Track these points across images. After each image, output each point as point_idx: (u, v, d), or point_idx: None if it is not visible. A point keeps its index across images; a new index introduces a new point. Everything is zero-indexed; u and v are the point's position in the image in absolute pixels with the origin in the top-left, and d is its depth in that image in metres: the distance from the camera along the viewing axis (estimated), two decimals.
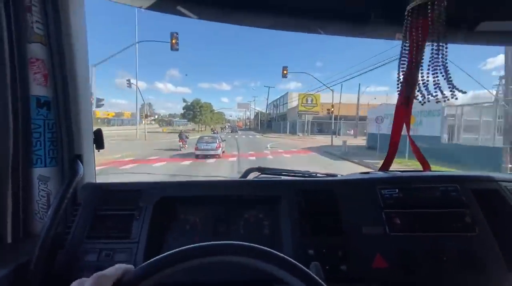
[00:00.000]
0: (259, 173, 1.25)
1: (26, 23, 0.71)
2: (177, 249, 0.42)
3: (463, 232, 0.78)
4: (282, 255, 0.42)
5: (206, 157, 12.54)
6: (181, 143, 16.24)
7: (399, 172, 1.07)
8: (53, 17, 0.75)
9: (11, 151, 0.72)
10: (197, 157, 12.53)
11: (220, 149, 13.03)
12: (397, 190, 0.86)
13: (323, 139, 25.04)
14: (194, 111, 44.39)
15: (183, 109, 46.34)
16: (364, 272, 0.74)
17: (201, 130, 43.67)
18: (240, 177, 1.24)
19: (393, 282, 0.75)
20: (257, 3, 1.03)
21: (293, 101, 39.52)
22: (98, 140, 0.94)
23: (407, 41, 0.91)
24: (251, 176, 1.25)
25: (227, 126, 68.97)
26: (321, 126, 35.89)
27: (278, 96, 53.05)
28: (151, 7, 1.03)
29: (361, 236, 0.79)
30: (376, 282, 0.74)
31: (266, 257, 0.42)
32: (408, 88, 0.94)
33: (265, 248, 0.43)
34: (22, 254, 0.67)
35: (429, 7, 0.81)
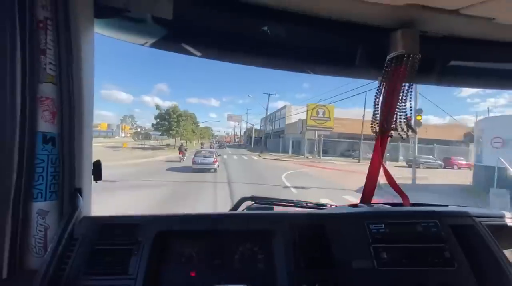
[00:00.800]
0: (252, 202, 1.29)
1: (39, 64, 0.76)
2: None
3: (443, 267, 0.84)
4: None
5: (203, 170, 12.91)
6: (180, 155, 18.32)
7: (383, 205, 1.14)
8: (65, 59, 0.79)
9: (14, 185, 0.74)
10: (194, 170, 12.97)
11: (217, 163, 13.50)
12: (383, 225, 0.92)
13: (359, 168, 15.83)
14: (169, 122, 32.35)
15: (155, 119, 33.94)
16: None
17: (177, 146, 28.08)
18: (234, 206, 1.27)
19: None
20: (252, 45, 1.13)
21: (292, 116, 33.37)
22: (97, 172, 0.96)
23: (386, 83, 1.03)
24: (244, 205, 1.28)
25: (214, 141, 65.54)
26: (331, 145, 28.12)
27: (274, 110, 46.57)
28: (155, 45, 1.11)
29: (351, 271, 0.83)
30: None
31: None
32: (385, 122, 1.06)
33: None
34: None
35: (405, 58, 0.93)
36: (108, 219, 0.89)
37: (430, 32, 0.97)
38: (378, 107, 1.05)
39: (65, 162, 0.82)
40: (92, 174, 0.95)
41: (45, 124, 0.78)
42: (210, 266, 0.88)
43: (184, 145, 22.24)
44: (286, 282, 0.80)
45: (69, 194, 0.83)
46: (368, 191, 1.19)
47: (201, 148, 25.42)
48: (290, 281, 0.80)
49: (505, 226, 1.05)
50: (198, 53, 1.16)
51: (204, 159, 13.24)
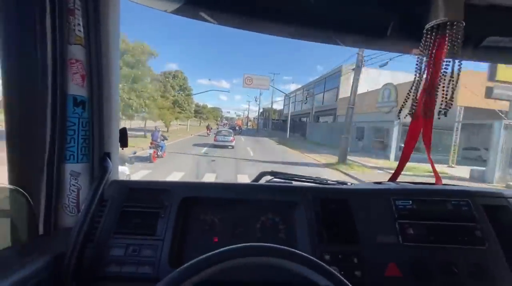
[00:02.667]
0: (272, 177, 1.29)
1: (69, 25, 0.75)
2: (218, 250, 0.45)
3: (473, 246, 0.82)
4: (313, 258, 0.46)
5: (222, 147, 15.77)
6: (208, 131, 22.68)
7: (411, 184, 1.11)
8: (93, 20, 0.78)
9: (48, 146, 0.76)
10: (215, 146, 15.68)
11: (234, 141, 16.45)
12: (410, 202, 0.90)
13: None
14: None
15: None
16: (378, 279, 0.78)
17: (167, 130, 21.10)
18: (253, 180, 1.28)
19: None
20: (277, 13, 1.07)
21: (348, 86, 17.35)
22: (123, 138, 0.97)
23: (424, 57, 0.95)
24: (263, 180, 1.29)
25: (222, 124, 54.77)
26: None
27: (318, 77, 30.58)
28: (175, 12, 1.07)
29: (375, 245, 0.83)
30: None
31: (303, 261, 0.46)
32: (428, 100, 0.97)
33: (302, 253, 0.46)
34: (56, 245, 0.71)
35: (448, 26, 0.85)
36: (135, 183, 0.91)
37: None
38: (419, 84, 0.97)
39: (95, 125, 0.84)
40: (119, 140, 0.96)
41: (76, 87, 0.78)
42: (232, 233, 0.89)
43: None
44: (309, 252, 0.81)
45: (98, 157, 0.85)
46: (398, 171, 1.15)
47: (208, 131, 23.98)
48: (312, 252, 0.81)
49: None
50: (218, 21, 1.11)
51: (224, 138, 16.23)
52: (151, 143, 9.73)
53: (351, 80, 12.30)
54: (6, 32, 0.69)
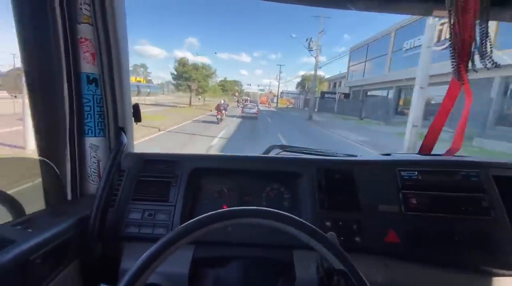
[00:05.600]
0: (281, 150, 1.31)
1: (76, 4, 0.78)
2: (215, 211, 0.50)
3: (478, 215, 0.81)
4: (310, 225, 0.49)
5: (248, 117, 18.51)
6: (219, 115, 15.06)
7: (421, 155, 1.09)
8: None
9: (68, 121, 0.83)
10: (242, 117, 18.98)
11: (258, 114, 19.62)
12: (416, 172, 0.89)
13: None
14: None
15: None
16: (377, 245, 0.81)
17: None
18: (263, 153, 1.31)
19: (403, 255, 0.81)
20: None
21: None
22: (137, 113, 1.03)
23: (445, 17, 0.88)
24: (273, 153, 1.32)
25: (243, 100, 43.84)
26: None
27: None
28: None
29: (376, 213, 0.85)
30: (387, 255, 0.81)
31: (299, 226, 0.49)
32: (461, 63, 0.91)
33: (298, 218, 0.50)
34: (81, 209, 0.80)
35: None
36: (149, 155, 0.98)
37: None
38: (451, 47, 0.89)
39: (108, 102, 0.89)
40: (133, 115, 1.02)
41: (87, 65, 0.83)
42: (240, 201, 0.95)
43: (225, 101, 17.84)
44: (310, 218, 0.85)
45: (114, 131, 0.92)
46: (426, 142, 1.08)
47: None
48: (313, 218, 0.84)
49: None
50: None
51: (249, 109, 19.80)
52: (218, 109, 14.79)
53: None
54: (20, 16, 0.74)
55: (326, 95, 29.78)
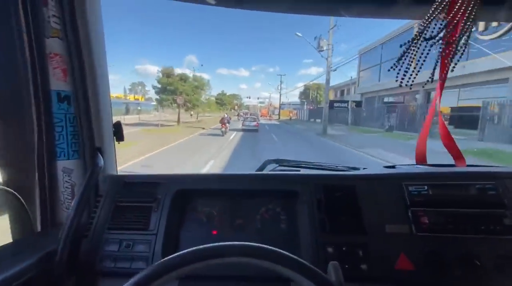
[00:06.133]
0: (277, 165, 1.22)
1: (43, 17, 0.72)
2: (190, 249, 0.41)
3: (501, 235, 0.72)
4: (298, 258, 0.40)
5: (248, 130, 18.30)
6: (223, 128, 16.05)
7: (428, 166, 1.00)
8: (69, 10, 0.74)
9: (36, 145, 0.75)
10: (243, 130, 18.40)
11: (258, 126, 19.32)
12: (426, 187, 0.80)
13: None
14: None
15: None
16: (386, 272, 0.71)
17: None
18: (257, 169, 1.22)
19: (417, 284, 0.71)
20: None
21: None
22: (118, 132, 0.95)
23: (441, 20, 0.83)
24: (268, 168, 1.23)
25: (243, 113, 38.28)
26: None
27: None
28: None
29: (384, 235, 0.75)
30: (399, 284, 0.71)
31: (284, 261, 0.40)
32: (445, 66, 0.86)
33: (283, 251, 0.41)
34: (50, 242, 0.71)
35: None
36: (130, 177, 0.90)
37: None
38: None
39: (83, 121, 0.82)
40: (114, 135, 0.94)
41: (58, 82, 0.76)
42: (232, 225, 0.86)
43: (227, 116, 18.12)
44: (309, 244, 0.75)
45: (90, 152, 0.84)
46: (419, 152, 1.05)
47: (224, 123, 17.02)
48: (313, 243, 0.75)
49: None
50: (215, 1, 1.04)
51: (250, 122, 19.63)
52: (222, 122, 16.01)
53: None
54: None
55: (335, 104, 25.41)
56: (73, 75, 0.78)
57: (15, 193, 0.71)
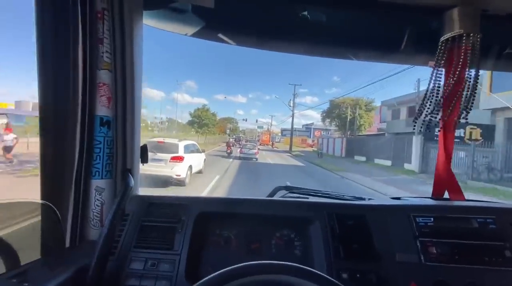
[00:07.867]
0: (287, 192, 1.28)
1: (98, 52, 0.82)
2: (236, 266, 0.46)
3: (503, 267, 0.77)
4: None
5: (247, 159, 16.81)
6: (228, 150, 18.43)
7: (431, 199, 1.07)
8: (120, 48, 0.85)
9: (76, 163, 0.82)
10: (240, 158, 16.63)
11: (258, 154, 17.54)
12: (432, 219, 0.86)
13: None
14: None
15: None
16: None
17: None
18: (268, 195, 1.28)
19: None
20: (291, 32, 1.11)
21: None
22: (144, 155, 1.02)
23: (440, 69, 0.93)
24: (279, 194, 1.28)
25: (237, 139, 31.88)
26: None
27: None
28: (195, 35, 1.14)
29: (395, 263, 0.80)
30: None
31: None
32: (451, 113, 0.93)
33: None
34: (80, 257, 0.74)
35: (464, 38, 0.84)
36: (155, 198, 0.95)
37: (492, 10, 0.87)
38: (433, 95, 0.94)
39: (118, 144, 0.89)
40: (140, 157, 1.01)
41: (102, 108, 0.85)
42: (248, 249, 0.90)
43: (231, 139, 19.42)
44: (325, 270, 0.79)
45: (121, 173, 0.90)
46: (438, 186, 1.08)
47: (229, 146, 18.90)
48: (328, 269, 0.79)
49: None
50: (236, 42, 1.17)
51: (249, 150, 17.66)
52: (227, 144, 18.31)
53: None
54: (45, 58, 0.77)
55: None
56: (115, 102, 0.87)
57: (53, 207, 0.77)
